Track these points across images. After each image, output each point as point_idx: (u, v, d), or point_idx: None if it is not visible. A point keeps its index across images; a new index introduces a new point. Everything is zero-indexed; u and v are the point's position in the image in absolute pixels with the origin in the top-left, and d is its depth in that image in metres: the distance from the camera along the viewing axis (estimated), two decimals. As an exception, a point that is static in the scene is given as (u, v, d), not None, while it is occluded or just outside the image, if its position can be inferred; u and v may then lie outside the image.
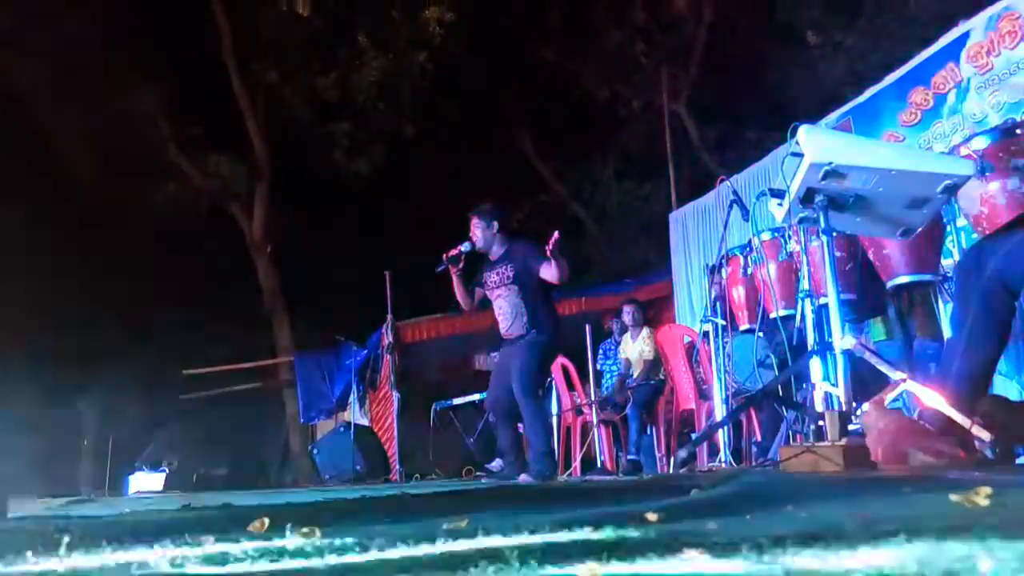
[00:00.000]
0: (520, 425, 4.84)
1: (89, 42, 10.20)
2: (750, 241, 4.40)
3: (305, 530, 1.07)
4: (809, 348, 3.13)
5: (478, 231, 4.76)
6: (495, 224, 4.78)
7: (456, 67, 13.35)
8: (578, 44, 14.04)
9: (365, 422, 9.06)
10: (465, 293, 4.82)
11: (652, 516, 1.10)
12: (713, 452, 4.70)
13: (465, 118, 14.37)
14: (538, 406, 4.55)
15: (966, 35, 5.18)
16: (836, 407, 2.61)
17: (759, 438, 4.68)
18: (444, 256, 4.72)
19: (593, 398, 6.14)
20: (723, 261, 4.51)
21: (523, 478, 4.34)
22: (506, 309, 4.64)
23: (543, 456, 4.34)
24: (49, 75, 8.94)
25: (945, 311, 3.68)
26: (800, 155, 2.57)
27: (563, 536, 0.93)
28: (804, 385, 3.60)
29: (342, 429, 8.18)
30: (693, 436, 5.43)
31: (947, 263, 3.81)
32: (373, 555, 0.87)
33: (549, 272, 4.43)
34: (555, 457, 4.60)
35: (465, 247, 4.74)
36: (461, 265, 4.76)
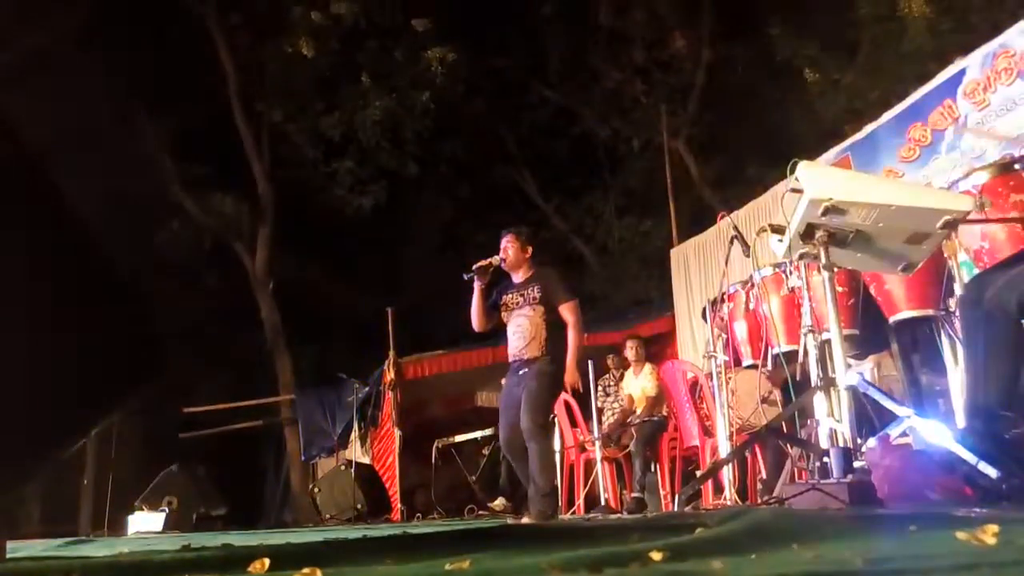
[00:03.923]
0: None
1: (94, 81, 10.33)
2: (751, 277, 4.41)
3: (306, 571, 1.06)
4: (812, 384, 3.12)
5: (511, 250, 4.62)
6: (529, 248, 4.66)
7: (458, 106, 13.50)
8: (578, 83, 14.23)
9: (366, 460, 8.99)
10: (483, 311, 4.65)
11: (656, 555, 1.09)
12: (718, 489, 4.65)
13: (467, 156, 14.50)
14: (546, 441, 4.38)
15: (962, 72, 5.24)
16: (841, 443, 2.59)
17: (764, 475, 4.64)
18: (473, 266, 4.56)
19: (596, 435, 6.10)
20: (724, 297, 4.51)
21: (524, 519, 4.23)
22: (526, 328, 4.48)
23: (546, 496, 4.18)
24: (53, 114, 9.04)
25: (949, 346, 3.67)
26: (800, 191, 2.59)
27: (566, 576, 0.92)
28: (808, 421, 3.57)
29: (343, 467, 8.11)
30: (697, 473, 5.38)
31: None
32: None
33: (568, 317, 4.43)
34: (558, 497, 4.43)
35: (496, 260, 4.60)
36: (487, 279, 4.61)
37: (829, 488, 2.31)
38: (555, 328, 4.44)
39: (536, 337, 4.44)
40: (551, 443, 4.63)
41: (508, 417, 4.47)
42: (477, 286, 4.58)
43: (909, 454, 2.69)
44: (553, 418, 6.49)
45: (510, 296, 4.63)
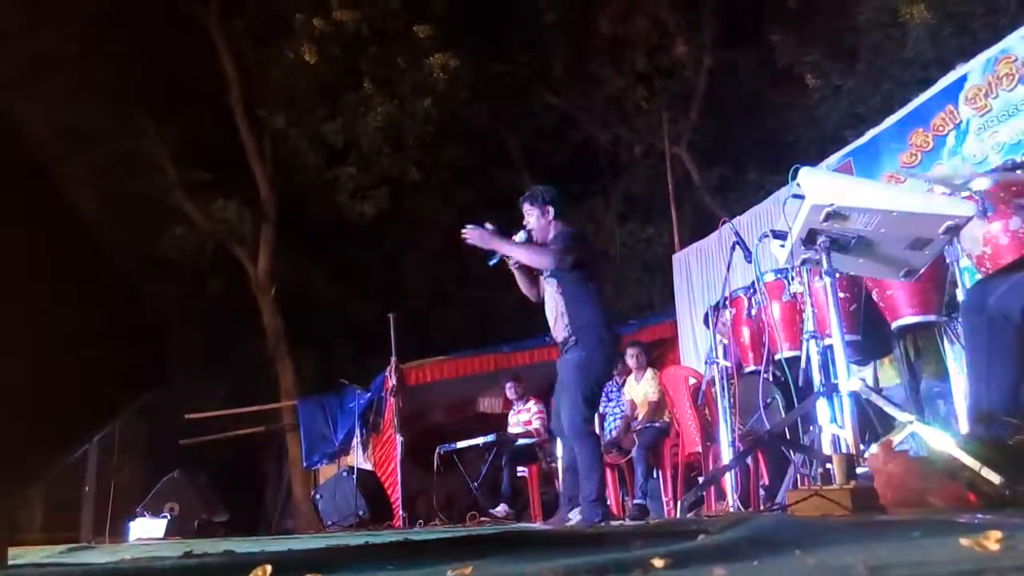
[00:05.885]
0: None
1: (97, 87, 10.36)
2: (753, 282, 4.40)
3: (307, 577, 1.06)
4: (815, 390, 3.11)
5: (532, 218, 4.20)
6: (550, 209, 4.18)
7: (460, 112, 13.53)
8: (580, 89, 14.25)
9: (368, 466, 8.98)
10: (530, 284, 4.27)
11: (658, 562, 1.09)
12: (720, 496, 4.64)
13: (468, 162, 14.52)
14: (592, 446, 3.98)
15: (964, 78, 5.24)
16: (843, 450, 2.59)
17: (766, 481, 4.63)
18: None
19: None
20: (726, 302, 4.50)
21: (573, 514, 3.99)
22: (550, 304, 4.13)
23: (594, 503, 3.85)
24: (58, 120, 9.07)
25: (951, 352, 3.67)
26: (802, 197, 2.59)
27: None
28: (811, 427, 3.57)
29: (345, 474, 8.11)
30: (700, 479, 5.37)
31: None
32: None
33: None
34: (607, 504, 3.98)
35: (520, 236, 4.19)
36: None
37: (832, 494, 2.30)
38: (574, 300, 4.03)
39: (558, 317, 4.08)
40: (597, 444, 4.12)
41: (556, 400, 4.22)
42: (510, 265, 4.24)
43: (912, 460, 2.69)
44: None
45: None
